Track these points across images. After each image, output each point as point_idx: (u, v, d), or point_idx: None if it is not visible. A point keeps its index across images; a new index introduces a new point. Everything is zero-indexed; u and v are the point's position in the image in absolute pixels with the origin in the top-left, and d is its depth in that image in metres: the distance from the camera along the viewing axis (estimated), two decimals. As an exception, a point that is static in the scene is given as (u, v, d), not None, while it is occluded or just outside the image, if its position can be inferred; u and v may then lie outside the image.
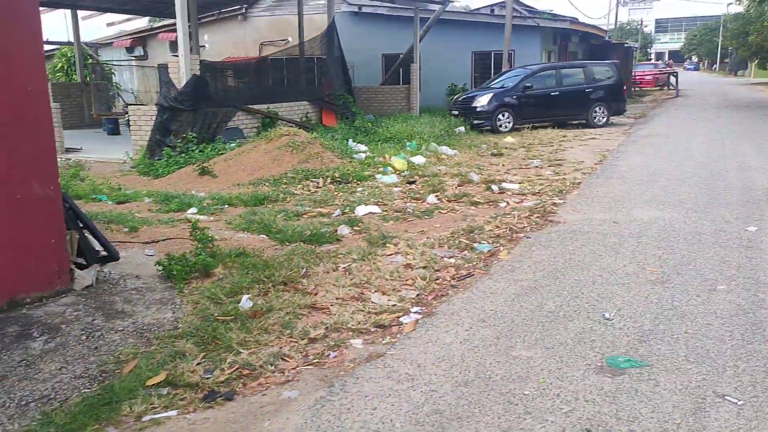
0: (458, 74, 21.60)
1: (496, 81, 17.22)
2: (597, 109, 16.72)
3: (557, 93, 16.35)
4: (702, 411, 2.86)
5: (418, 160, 10.40)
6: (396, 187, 8.57)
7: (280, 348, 3.56)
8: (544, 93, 16.32)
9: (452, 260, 5.15)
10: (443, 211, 7.03)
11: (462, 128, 15.41)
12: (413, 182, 8.80)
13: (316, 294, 4.35)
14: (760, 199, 7.20)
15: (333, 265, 4.96)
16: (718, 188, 7.90)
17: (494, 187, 8.20)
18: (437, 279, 4.71)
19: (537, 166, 10.22)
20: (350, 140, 12.11)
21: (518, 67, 17.98)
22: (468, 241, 5.66)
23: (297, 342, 3.63)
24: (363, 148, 11.73)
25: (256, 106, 13.13)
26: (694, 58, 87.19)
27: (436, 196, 7.84)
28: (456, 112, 16.60)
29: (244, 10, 23.51)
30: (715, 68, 73.91)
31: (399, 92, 19.47)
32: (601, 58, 23.45)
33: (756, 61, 39.05)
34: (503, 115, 15.92)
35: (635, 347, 3.52)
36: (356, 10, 22.36)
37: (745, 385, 3.07)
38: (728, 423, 2.77)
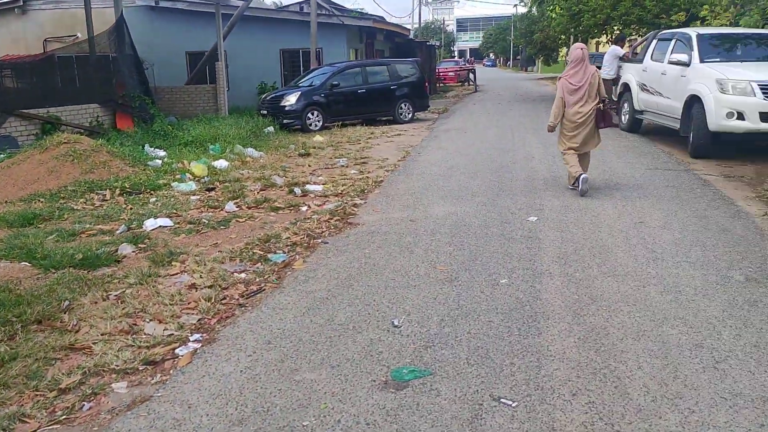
0: (268, 73, 21.16)
1: (304, 79, 17.06)
2: (402, 105, 17.24)
3: (364, 91, 16.58)
4: (479, 418, 2.85)
5: (221, 164, 9.89)
6: (194, 195, 8.02)
7: (21, 406, 3.00)
8: (352, 91, 16.48)
9: (243, 275, 4.82)
10: (241, 220, 6.66)
11: (271, 128, 15.04)
12: (213, 189, 8.30)
13: (77, 331, 3.80)
14: (540, 189, 7.75)
15: (104, 293, 4.40)
16: (505, 180, 8.39)
17: (297, 190, 7.99)
18: (224, 299, 4.36)
19: (343, 165, 10.19)
20: (146, 145, 11.22)
21: (326, 65, 17.99)
22: (262, 252, 5.37)
23: (44, 395, 3.09)
24: (161, 153, 10.93)
25: (33, 111, 11.69)
26: (492, 56, 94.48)
27: (236, 203, 7.44)
28: (264, 112, 16.18)
29: (21, 3, 21.00)
30: (509, 65, 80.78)
31: (205, 92, 18.60)
32: (406, 55, 24.32)
33: (541, 58, 43.29)
34: (312, 114, 15.81)
35: (420, 355, 3.47)
36: (153, 4, 20.95)
37: (520, 384, 3.13)
38: (503, 429, 2.78)
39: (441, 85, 34.71)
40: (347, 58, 20.86)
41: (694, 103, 9.79)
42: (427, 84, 18.30)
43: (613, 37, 17.15)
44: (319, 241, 5.76)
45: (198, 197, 7.90)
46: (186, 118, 16.29)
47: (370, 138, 13.81)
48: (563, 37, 39.55)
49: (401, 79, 17.33)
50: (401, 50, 28.30)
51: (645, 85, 12.02)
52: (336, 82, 16.15)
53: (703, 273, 4.60)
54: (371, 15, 22.09)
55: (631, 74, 12.81)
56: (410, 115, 17.39)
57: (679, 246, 5.28)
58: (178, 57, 21.39)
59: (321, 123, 15.89)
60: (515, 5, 32.69)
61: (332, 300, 4.31)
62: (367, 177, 8.89)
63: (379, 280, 4.68)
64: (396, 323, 3.89)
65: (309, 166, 10.15)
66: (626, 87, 13.03)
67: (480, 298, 4.25)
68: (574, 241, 5.50)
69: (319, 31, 20.09)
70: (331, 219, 6.50)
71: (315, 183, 8.57)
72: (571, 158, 7.38)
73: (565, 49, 41.68)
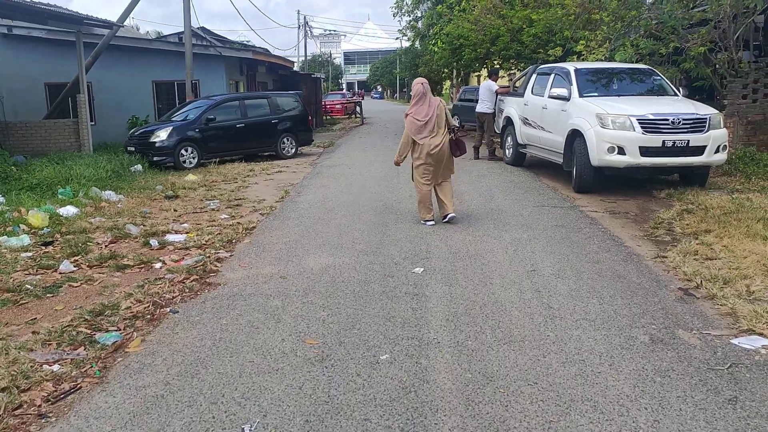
0: (140, 106, 19.70)
1: (178, 113, 15.85)
2: (285, 140, 16.45)
3: (243, 125, 15.63)
4: None
5: (69, 211, 8.59)
6: (26, 251, 6.74)
7: None
8: (230, 125, 15.48)
9: (56, 367, 3.78)
10: (76, 284, 5.54)
11: (139, 167, 13.71)
12: (51, 243, 7.05)
13: None
14: (427, 232, 7.17)
15: None
16: (389, 222, 7.76)
17: (154, 242, 6.92)
18: (19, 407, 3.31)
19: (214, 209, 9.19)
20: (-20, 191, 9.68)
21: (202, 98, 16.88)
22: (90, 331, 4.33)
23: None
24: (0, 199, 9.43)
25: None
26: (379, 88, 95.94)
27: (75, 260, 6.28)
28: (132, 149, 14.80)
29: None
30: (396, 96, 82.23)
31: (66, 127, 16.84)
32: (291, 88, 23.58)
33: (427, 91, 44.17)
34: (186, 150, 14.64)
35: (273, 481, 2.64)
36: (5, 32, 18.97)
37: None
38: None
39: (328, 117, 34.27)
40: (226, 90, 19.84)
41: (575, 137, 9.70)
42: (311, 117, 17.62)
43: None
44: (168, 310, 4.79)
45: (30, 254, 6.65)
46: (42, 156, 14.57)
47: (248, 176, 12.86)
48: (446, 70, 40.60)
49: (283, 112, 16.56)
50: (286, 83, 27.57)
51: (527, 119, 11.96)
52: (212, 116, 15.10)
53: (605, 334, 4.10)
54: (253, 47, 21.25)
55: (513, 108, 12.76)
56: (293, 150, 16.61)
57: (576, 299, 4.79)
58: (36, 89, 19.50)
59: (196, 160, 14.74)
60: (398, 38, 32.91)
61: (169, 399, 3.38)
62: (238, 223, 7.96)
63: (233, 363, 3.80)
64: (247, 431, 3.03)
65: (174, 210, 9.06)
66: (509, 121, 12.96)
67: (356, 385, 3.48)
68: (465, 297, 4.89)
69: (196, 63, 18.97)
70: (188, 279, 5.53)
71: (177, 232, 7.53)
72: (426, 195, 7.53)
73: (449, 82, 42.69)
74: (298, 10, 59.60)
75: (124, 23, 18.30)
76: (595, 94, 10.17)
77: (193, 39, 20.94)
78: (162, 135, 14.50)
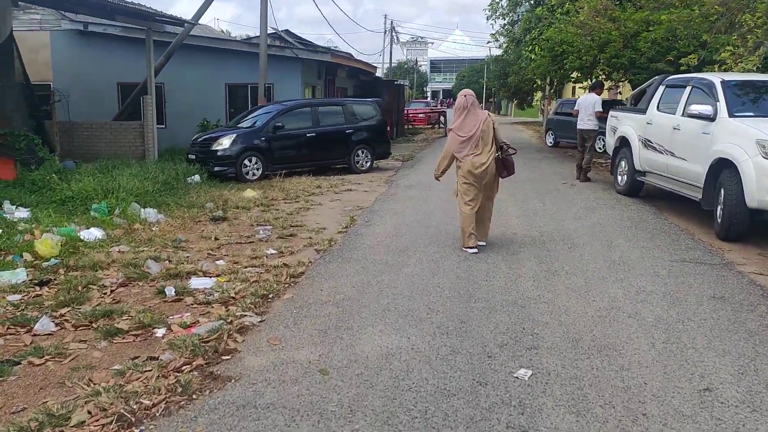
0: (212, 109, 18.65)
1: (246, 118, 14.53)
2: (359, 152, 14.83)
3: (314, 134, 14.12)
4: None
5: (92, 234, 7.22)
6: (16, 293, 5.32)
7: None
8: (299, 134, 14.02)
9: None
10: (39, 360, 3.98)
11: (197, 177, 12.42)
12: (47, 283, 5.61)
13: None
14: (532, 298, 5.24)
15: None
16: (478, 275, 5.88)
17: (170, 290, 5.34)
18: None
19: (262, 239, 7.60)
20: (7, 202, 8.50)
21: (273, 103, 15.52)
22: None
23: None
24: (24, 214, 8.22)
25: None
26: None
27: (62, 315, 4.78)
28: (193, 157, 13.58)
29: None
30: (483, 107, 79.71)
31: (131, 130, 15.88)
32: (373, 95, 22.04)
33: (515, 102, 41.67)
34: (250, 161, 13.26)
35: None
36: (82, 28, 18.39)
37: None
38: None
39: (410, 127, 32.61)
40: (301, 95, 18.48)
41: (722, 168, 7.49)
42: (391, 127, 15.94)
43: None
44: (138, 431, 3.12)
45: (19, 297, 5.22)
46: (100, 160, 13.56)
47: (313, 194, 11.27)
48: (539, 81, 38.08)
49: (359, 121, 14.96)
50: (367, 89, 26.11)
51: (650, 141, 9.76)
52: (280, 124, 13.66)
53: None
54: (332, 49, 19.77)
55: (630, 127, 10.57)
56: (368, 164, 14.96)
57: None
58: (110, 88, 18.82)
59: (260, 171, 13.34)
60: (488, 42, 30.89)
61: None
62: (285, 264, 6.28)
63: None
64: None
65: (215, 239, 7.52)
66: (624, 141, 10.77)
67: None
68: (606, 447, 2.96)
69: (271, 65, 17.72)
70: (189, 365, 3.86)
71: (206, 273, 5.94)
72: (468, 217, 6.79)
73: (539, 93, 40.11)
74: (385, 15, 58.49)
75: (199, 21, 17.28)
76: (751, 114, 7.89)
77: (272, 41, 19.80)
78: (225, 143, 13.18)
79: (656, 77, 10.44)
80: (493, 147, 6.67)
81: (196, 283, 5.61)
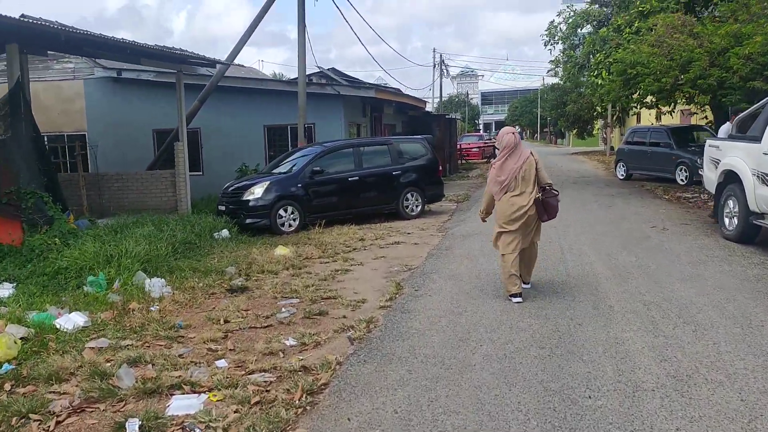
0: (251, 153, 17.44)
1: (284, 162, 13.16)
2: (409, 196, 13.22)
3: (357, 178, 12.62)
4: None
5: (72, 321, 5.76)
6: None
7: None
8: (341, 178, 12.53)
9: None
10: None
11: (226, 232, 11.04)
12: (-25, 410, 4.11)
13: None
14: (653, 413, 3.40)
15: None
16: (577, 392, 4.06)
17: (133, 426, 3.74)
18: None
19: (283, 320, 5.98)
20: (-10, 277, 7.21)
21: (312, 145, 14.12)
22: None
23: None
24: (7, 292, 6.88)
25: None
26: (518, 128, 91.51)
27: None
28: (222, 208, 12.24)
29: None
30: (537, 137, 77.41)
31: (162, 180, 14.75)
32: (422, 131, 20.46)
33: (574, 131, 39.50)
34: (286, 210, 11.82)
35: None
36: (115, 75, 17.61)
37: None
38: None
39: (463, 162, 30.91)
40: (344, 135, 17.08)
41: None
42: (444, 164, 14.30)
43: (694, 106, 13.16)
44: None
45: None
46: (138, 214, 12.41)
47: (354, 249, 9.66)
48: (599, 108, 35.90)
49: (408, 161, 13.38)
50: (417, 125, 24.61)
51: (767, 176, 7.77)
52: (318, 168, 12.21)
53: None
54: (377, 85, 18.34)
55: (739, 158, 8.58)
56: (419, 209, 13.31)
57: None
58: (145, 136, 17.89)
59: (297, 222, 11.87)
60: (548, 71, 29.09)
61: None
62: (305, 367, 4.62)
63: None
64: None
65: (224, 321, 5.96)
66: (731, 176, 8.79)
67: None
68: None
69: (312, 104, 16.45)
70: None
71: (195, 387, 4.33)
72: (509, 264, 6.22)
73: (600, 122, 37.87)
74: (434, 48, 57.54)
75: (235, 62, 16.21)
76: None
77: (318, 80, 18.60)
78: (257, 191, 11.78)
79: (771, 97, 8.47)
80: (535, 188, 6.19)
81: (176, 406, 4.01)
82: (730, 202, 8.79)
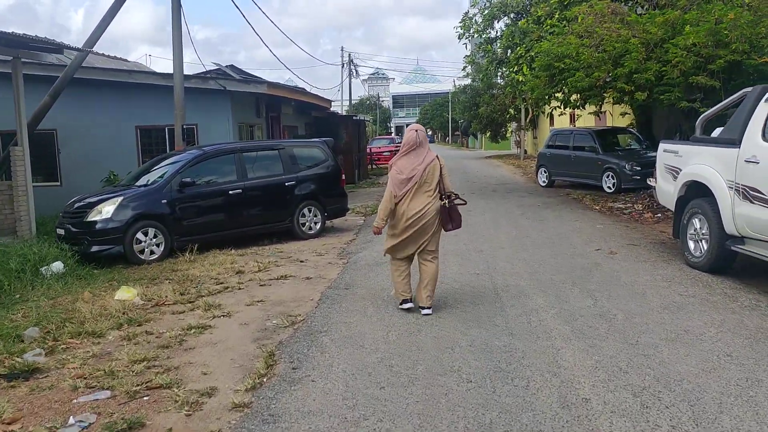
0: (122, 158, 14.58)
1: (152, 171, 10.52)
2: (306, 211, 10.95)
3: (240, 191, 10.20)
4: None
5: None
6: None
7: None
8: (218, 191, 10.12)
9: None
10: None
11: (59, 265, 8.35)
12: None
13: None
14: None
15: None
16: None
17: None
18: None
19: (64, 446, 3.57)
20: None
21: (187, 150, 11.51)
22: None
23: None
24: None
25: None
26: (429, 132, 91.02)
27: None
28: (62, 232, 9.49)
29: None
30: (448, 140, 76.94)
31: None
32: (329, 133, 18.16)
33: (488, 134, 38.43)
34: (147, 233, 9.23)
35: None
36: (-56, 63, 14.25)
37: None
38: None
39: (374, 167, 28.90)
40: (233, 137, 14.57)
41: None
42: (344, 176, 12.09)
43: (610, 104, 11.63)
44: None
45: None
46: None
47: (227, 287, 7.29)
48: (512, 111, 34.91)
49: (304, 169, 11.11)
50: (322, 127, 22.34)
51: (751, 190, 6.07)
52: (189, 179, 9.71)
53: None
54: (262, 79, 15.54)
55: (708, 167, 6.88)
56: (318, 226, 11.08)
57: None
58: (-17, 140, 14.61)
59: (163, 247, 9.32)
60: (464, 67, 27.58)
61: None
62: None
63: None
64: None
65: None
66: (696, 189, 7.10)
67: None
68: None
69: (193, 101, 13.86)
70: None
71: None
72: (398, 270, 5.88)
73: (514, 124, 36.96)
74: (342, 47, 55.43)
75: (94, 48, 13.34)
76: None
77: (216, 77, 15.88)
78: (106, 210, 9.14)
79: (748, 89, 6.80)
80: (436, 194, 5.77)
81: None
82: (696, 221, 7.08)
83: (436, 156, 5.80)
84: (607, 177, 14.96)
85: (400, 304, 5.91)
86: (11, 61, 11.36)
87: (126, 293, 7.01)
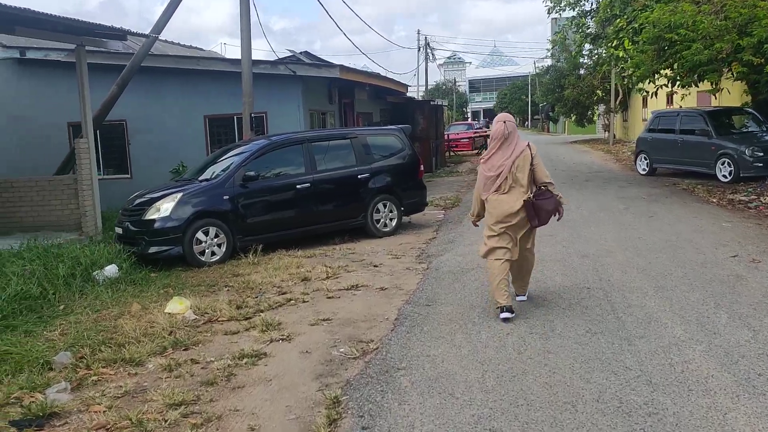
0: (191, 149, 14.02)
1: (218, 162, 9.74)
2: (380, 206, 9.90)
3: (308, 185, 9.25)
4: None
5: None
6: None
7: None
8: (285, 185, 9.20)
9: None
10: None
11: (112, 268, 7.65)
12: None
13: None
14: None
15: None
16: None
17: None
18: None
19: None
20: None
21: (256, 139, 10.66)
22: None
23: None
24: None
25: None
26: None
27: None
28: (120, 231, 8.83)
29: None
30: (527, 125, 74.23)
31: (64, 188, 11.27)
32: (404, 120, 17.08)
33: (573, 117, 36.19)
34: (207, 233, 8.43)
35: None
36: (17, 55, 14.11)
37: None
38: None
39: (452, 154, 27.55)
40: (304, 125, 13.69)
41: None
42: (422, 167, 10.91)
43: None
44: None
45: None
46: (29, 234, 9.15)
47: (291, 300, 6.31)
48: (599, 92, 32.63)
49: (378, 160, 10.05)
50: (397, 113, 21.26)
51: None
52: (253, 172, 8.83)
53: None
54: (334, 64, 14.45)
55: None
56: (394, 223, 10.01)
57: None
58: (59, 131, 14.38)
59: (225, 248, 8.50)
60: (540, 58, 25.81)
61: None
62: None
63: None
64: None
65: None
66: None
67: None
68: None
69: (263, 88, 13.07)
70: None
71: None
72: (497, 270, 5.25)
73: (601, 107, 34.62)
74: (419, 30, 53.86)
75: (160, 34, 12.73)
76: None
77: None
78: (164, 208, 8.38)
79: None
80: (529, 187, 5.22)
81: None
82: None
83: (527, 144, 5.28)
84: (723, 164, 13.09)
85: (500, 311, 5.22)
86: (75, 49, 10.86)
87: (178, 305, 6.17)
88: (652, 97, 14.55)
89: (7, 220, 11.26)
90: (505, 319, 5.13)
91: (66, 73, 13.98)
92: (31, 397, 4.19)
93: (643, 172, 15.88)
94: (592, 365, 4.16)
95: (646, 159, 15.80)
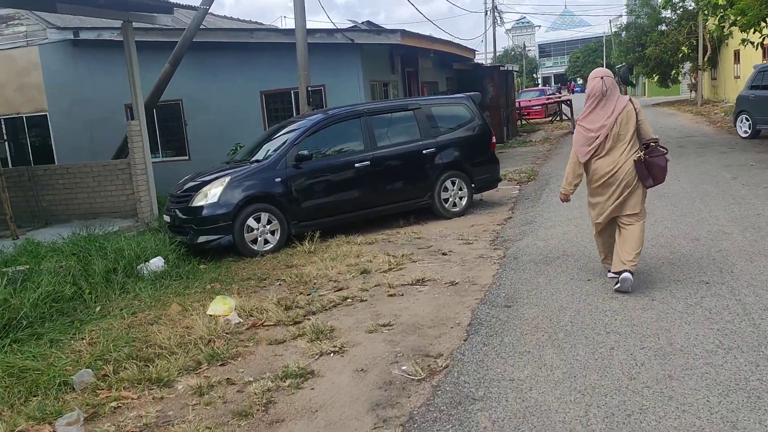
0: (248, 127, 13.39)
1: (269, 142, 8.99)
2: (449, 184, 8.92)
3: (368, 162, 8.37)
4: None
5: None
6: None
7: None
8: (342, 164, 8.34)
9: None
10: None
11: (159, 261, 7.05)
12: None
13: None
14: None
15: None
16: None
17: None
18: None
19: None
20: None
21: (309, 114, 9.84)
22: None
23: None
24: None
25: None
26: (580, 81, 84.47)
27: None
28: (169, 219, 8.24)
29: None
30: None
31: (119, 173, 10.88)
32: (472, 88, 15.82)
33: (655, 78, 33.60)
34: (259, 220, 7.71)
35: None
36: (71, 37, 13.81)
37: None
38: None
39: (524, 123, 26.02)
40: (364, 96, 12.78)
41: None
42: (494, 139, 9.78)
43: None
44: None
45: None
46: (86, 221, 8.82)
47: (347, 297, 5.49)
48: (685, 49, 30.10)
49: (445, 132, 9.05)
50: (465, 81, 20.01)
51: None
52: (306, 152, 8.01)
53: None
54: (404, 30, 13.25)
55: None
56: (464, 202, 9.02)
57: None
58: (118, 113, 14.04)
59: (278, 236, 7.77)
60: (619, 16, 23.74)
61: None
62: None
63: None
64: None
65: None
66: None
67: None
68: None
69: (320, 59, 12.28)
70: None
71: None
72: (600, 238, 5.18)
73: (687, 65, 32.00)
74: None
75: (210, 6, 12.03)
76: None
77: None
78: (212, 193, 7.70)
79: None
80: (634, 146, 4.80)
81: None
82: None
83: (630, 99, 4.86)
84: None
85: (611, 276, 4.99)
86: (122, 26, 10.32)
87: (221, 306, 5.46)
88: (757, 48, 12.77)
89: (65, 207, 11.03)
90: (625, 280, 4.76)
91: (119, 54, 13.59)
92: (36, 430, 3.55)
93: (745, 135, 14.12)
94: (736, 399, 3.12)
95: (748, 120, 14.01)
